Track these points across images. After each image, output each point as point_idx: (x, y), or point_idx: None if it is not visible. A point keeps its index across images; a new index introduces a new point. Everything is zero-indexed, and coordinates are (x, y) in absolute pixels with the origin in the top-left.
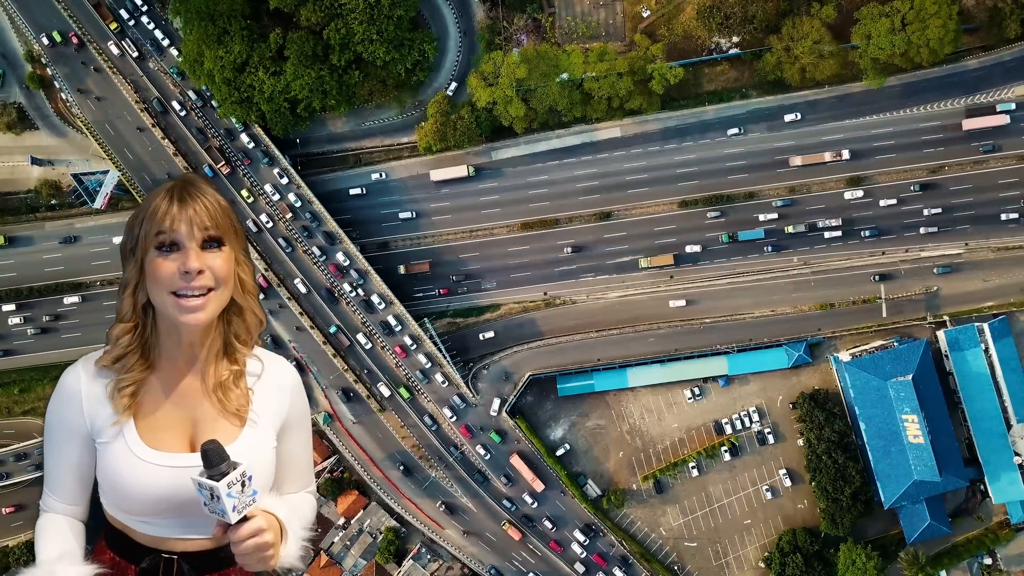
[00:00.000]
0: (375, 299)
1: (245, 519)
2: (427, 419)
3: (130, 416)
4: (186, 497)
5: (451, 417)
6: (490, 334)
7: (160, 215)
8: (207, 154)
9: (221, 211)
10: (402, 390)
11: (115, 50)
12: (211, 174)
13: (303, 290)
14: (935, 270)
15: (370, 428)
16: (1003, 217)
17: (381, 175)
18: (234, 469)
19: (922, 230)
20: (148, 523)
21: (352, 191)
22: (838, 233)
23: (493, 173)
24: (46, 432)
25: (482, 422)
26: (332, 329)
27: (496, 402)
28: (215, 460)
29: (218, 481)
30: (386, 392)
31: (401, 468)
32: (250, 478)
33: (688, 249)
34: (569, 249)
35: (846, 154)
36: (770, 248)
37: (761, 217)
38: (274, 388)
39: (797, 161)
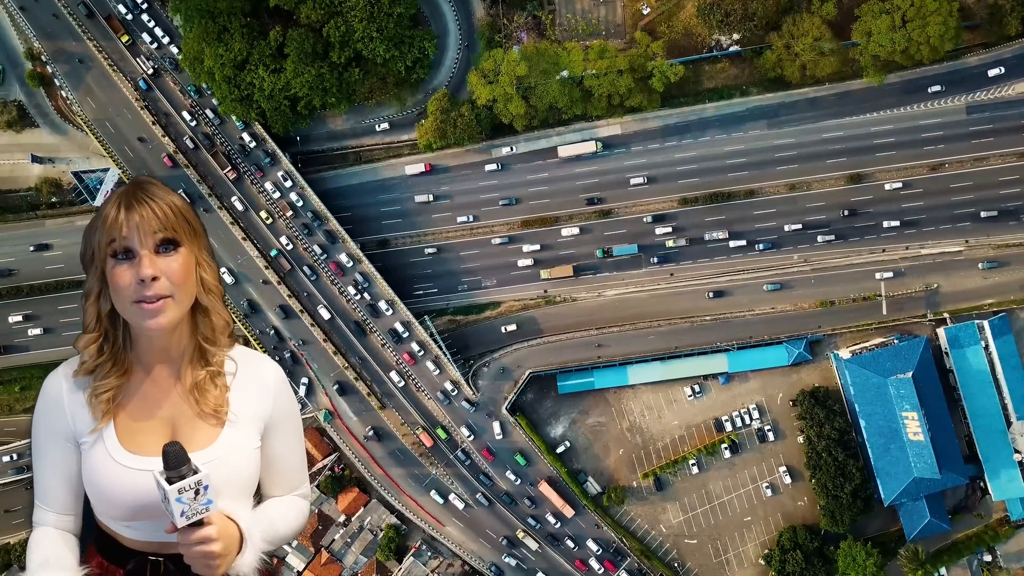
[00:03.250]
0: (382, 305)
1: (201, 523)
2: (459, 454)
3: (109, 421)
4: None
5: (469, 436)
6: (512, 327)
7: (109, 223)
8: (214, 160)
9: (173, 212)
10: (439, 431)
11: (140, 67)
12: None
13: (327, 316)
14: (765, 286)
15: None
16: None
17: (512, 148)
18: (192, 474)
19: (820, 238)
20: (132, 527)
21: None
22: (740, 243)
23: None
24: (34, 439)
25: (495, 445)
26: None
27: (497, 426)
28: (173, 463)
29: (171, 484)
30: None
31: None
32: (206, 488)
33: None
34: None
35: None
36: (656, 259)
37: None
38: (255, 387)
39: None
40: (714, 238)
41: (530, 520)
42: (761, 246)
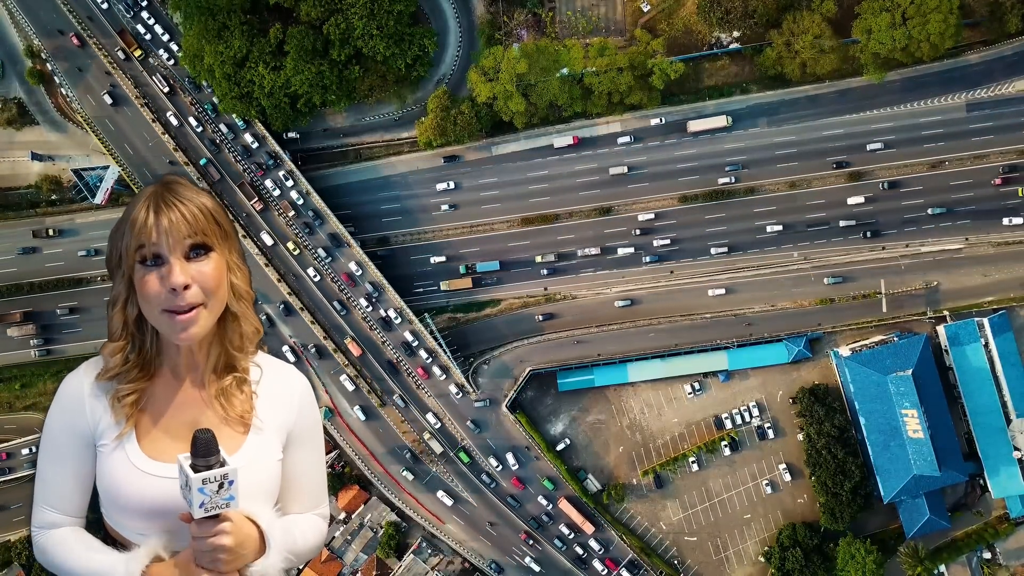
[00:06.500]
0: (391, 314)
1: (218, 517)
2: (484, 477)
3: (132, 426)
4: (184, 509)
5: (497, 467)
6: (540, 317)
7: (138, 227)
8: (239, 190)
9: (204, 215)
10: (462, 454)
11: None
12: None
13: (356, 353)
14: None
15: (371, 423)
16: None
17: (661, 119)
18: (219, 466)
19: (710, 246)
20: (146, 536)
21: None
22: (626, 254)
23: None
24: (48, 439)
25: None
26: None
27: (511, 456)
28: (203, 451)
29: (196, 473)
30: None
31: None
32: (231, 483)
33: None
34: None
35: None
36: (547, 272)
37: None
38: (281, 397)
39: None
40: (585, 254)
41: (556, 542)
42: (648, 259)
